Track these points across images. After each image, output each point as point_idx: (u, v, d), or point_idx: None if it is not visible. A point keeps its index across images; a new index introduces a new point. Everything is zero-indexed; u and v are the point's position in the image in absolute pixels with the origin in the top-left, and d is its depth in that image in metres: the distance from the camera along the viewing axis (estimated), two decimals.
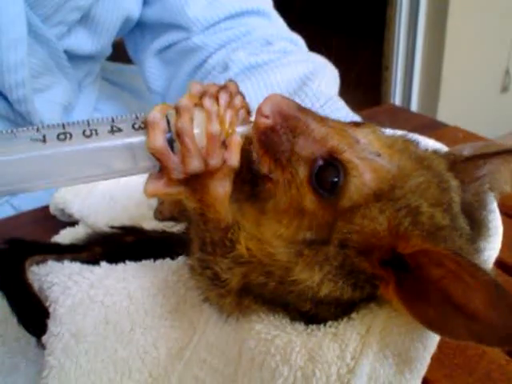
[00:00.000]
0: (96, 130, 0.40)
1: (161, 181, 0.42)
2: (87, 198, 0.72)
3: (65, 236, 0.69)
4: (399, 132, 0.49)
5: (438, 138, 0.69)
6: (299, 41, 0.98)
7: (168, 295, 0.50)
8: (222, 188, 0.42)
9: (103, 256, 0.57)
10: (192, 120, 0.40)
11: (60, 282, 0.50)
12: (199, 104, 0.42)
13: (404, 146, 0.44)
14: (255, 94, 0.85)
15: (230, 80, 0.45)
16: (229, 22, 0.93)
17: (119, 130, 0.40)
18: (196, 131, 0.41)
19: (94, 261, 0.55)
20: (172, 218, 0.61)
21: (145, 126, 0.40)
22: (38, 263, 0.55)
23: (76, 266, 0.53)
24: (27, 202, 0.86)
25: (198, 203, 0.43)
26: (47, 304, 0.50)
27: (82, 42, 0.88)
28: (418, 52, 2.48)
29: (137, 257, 0.57)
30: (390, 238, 0.40)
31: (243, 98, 0.44)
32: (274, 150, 0.42)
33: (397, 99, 2.64)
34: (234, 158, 0.42)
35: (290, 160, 0.42)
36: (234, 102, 0.43)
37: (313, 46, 0.99)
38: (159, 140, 0.40)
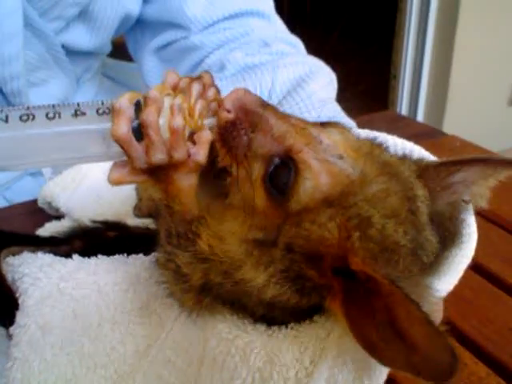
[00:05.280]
0: (59, 113, 0.39)
1: (125, 169, 0.41)
2: (74, 193, 0.72)
3: (49, 229, 0.69)
4: (375, 133, 0.48)
5: (436, 146, 0.68)
6: (298, 44, 0.97)
7: (139, 291, 0.50)
8: (187, 181, 0.42)
9: (83, 250, 0.57)
10: (158, 111, 0.40)
11: (31, 272, 0.50)
12: (170, 94, 0.41)
13: (370, 150, 0.42)
14: None
15: (206, 71, 0.44)
16: (228, 22, 0.92)
17: (83, 114, 0.40)
18: (161, 122, 0.40)
19: (72, 254, 0.55)
20: (150, 215, 0.60)
21: (111, 113, 0.40)
22: (14, 254, 0.55)
23: (48, 258, 0.53)
24: (20, 195, 0.86)
25: (163, 193, 0.42)
26: (17, 295, 0.50)
27: (80, 37, 0.89)
28: (426, 62, 2.47)
29: (117, 252, 0.56)
30: (338, 248, 0.38)
31: (217, 91, 0.44)
32: (231, 145, 0.42)
33: (403, 108, 2.63)
34: (201, 154, 0.41)
35: (246, 156, 0.41)
36: (207, 94, 0.42)
37: (322, 53, 0.98)
38: (123, 128, 0.39)
